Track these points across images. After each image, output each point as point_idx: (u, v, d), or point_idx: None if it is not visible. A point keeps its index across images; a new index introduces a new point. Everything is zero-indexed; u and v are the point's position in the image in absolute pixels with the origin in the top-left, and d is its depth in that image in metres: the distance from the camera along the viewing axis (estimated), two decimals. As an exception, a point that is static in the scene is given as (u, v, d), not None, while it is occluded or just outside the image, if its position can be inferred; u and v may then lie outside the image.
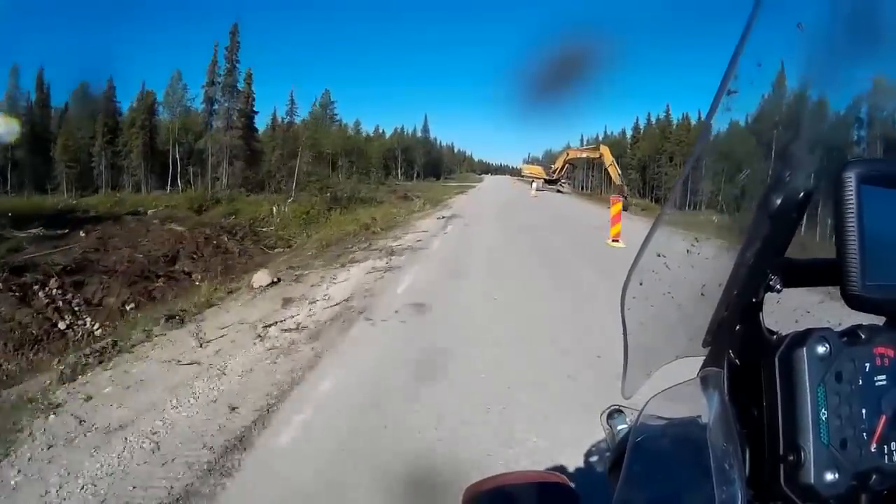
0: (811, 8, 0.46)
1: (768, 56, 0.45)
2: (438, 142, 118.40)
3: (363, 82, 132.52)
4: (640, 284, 0.48)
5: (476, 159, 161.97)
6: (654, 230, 0.46)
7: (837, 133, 0.52)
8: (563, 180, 40.68)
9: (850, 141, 0.54)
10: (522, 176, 44.44)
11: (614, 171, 36.16)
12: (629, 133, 58.92)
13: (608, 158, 36.82)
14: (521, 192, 36.38)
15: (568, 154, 38.53)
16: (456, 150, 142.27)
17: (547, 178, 42.18)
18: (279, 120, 60.09)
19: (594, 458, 1.53)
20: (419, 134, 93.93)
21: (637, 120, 68.31)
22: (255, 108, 38.89)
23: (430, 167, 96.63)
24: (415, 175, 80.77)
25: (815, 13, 0.45)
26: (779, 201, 0.44)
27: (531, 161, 42.87)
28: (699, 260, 0.49)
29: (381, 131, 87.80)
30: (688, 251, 0.49)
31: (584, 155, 37.10)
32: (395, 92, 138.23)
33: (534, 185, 30.36)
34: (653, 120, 65.27)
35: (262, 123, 58.33)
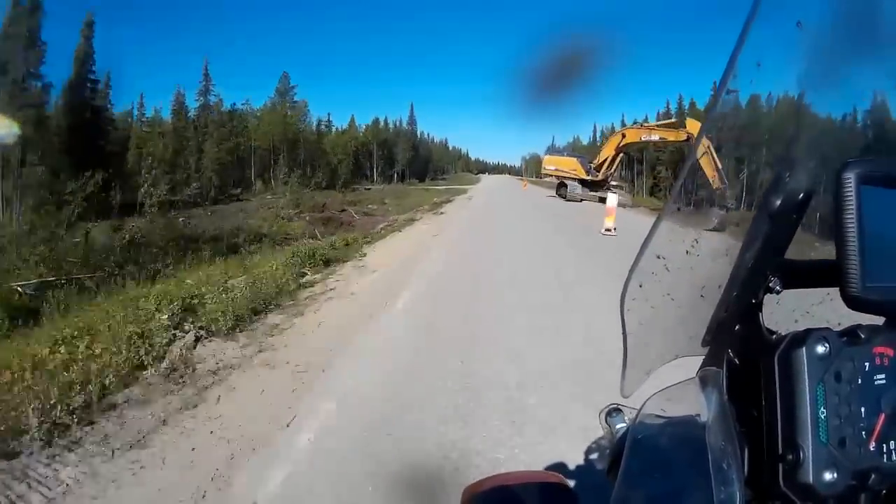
0: (811, 6, 0.46)
1: (768, 55, 0.45)
2: (430, 137, 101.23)
3: (350, 78, 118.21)
4: (640, 286, 0.49)
5: (473, 158, 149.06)
6: (653, 232, 0.48)
7: (837, 133, 0.55)
8: (612, 181, 17.54)
9: (849, 141, 0.58)
10: (546, 174, 30.59)
11: (709, 164, 12.37)
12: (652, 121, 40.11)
13: (702, 142, 13.50)
14: (544, 207, 22.38)
15: (624, 137, 16.71)
16: (451, 148, 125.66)
17: (586, 176, 26.70)
18: (207, 104, 39.46)
19: (593, 457, 1.50)
20: (405, 126, 72.68)
21: (668, 104, 57.76)
22: (93, 76, 19.53)
23: (420, 166, 76.85)
24: (395, 176, 60.64)
25: (814, 12, 0.45)
26: (778, 202, 0.45)
27: (554, 151, 23.84)
28: (698, 261, 0.49)
29: (370, 124, 66.33)
30: (687, 252, 0.49)
31: (656, 137, 15.05)
32: (388, 90, 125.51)
33: (611, 198, 9.30)
34: (685, 104, 52.86)
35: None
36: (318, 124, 52.92)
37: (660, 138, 22.56)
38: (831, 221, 0.42)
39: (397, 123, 79.08)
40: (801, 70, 0.47)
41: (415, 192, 39.87)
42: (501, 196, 31.68)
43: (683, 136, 22.04)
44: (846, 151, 0.50)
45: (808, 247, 0.50)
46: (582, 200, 24.21)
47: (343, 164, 62.55)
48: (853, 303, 0.41)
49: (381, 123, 75.40)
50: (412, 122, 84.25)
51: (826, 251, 0.45)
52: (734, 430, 0.45)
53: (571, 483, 0.75)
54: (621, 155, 25.08)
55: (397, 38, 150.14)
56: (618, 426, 0.58)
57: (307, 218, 20.57)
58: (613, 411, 0.59)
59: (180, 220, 21.66)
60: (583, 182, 25.23)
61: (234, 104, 44.05)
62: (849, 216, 0.41)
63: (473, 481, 0.73)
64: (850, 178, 0.41)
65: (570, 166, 26.27)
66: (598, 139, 78.05)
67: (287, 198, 24.97)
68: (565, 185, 25.89)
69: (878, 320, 0.45)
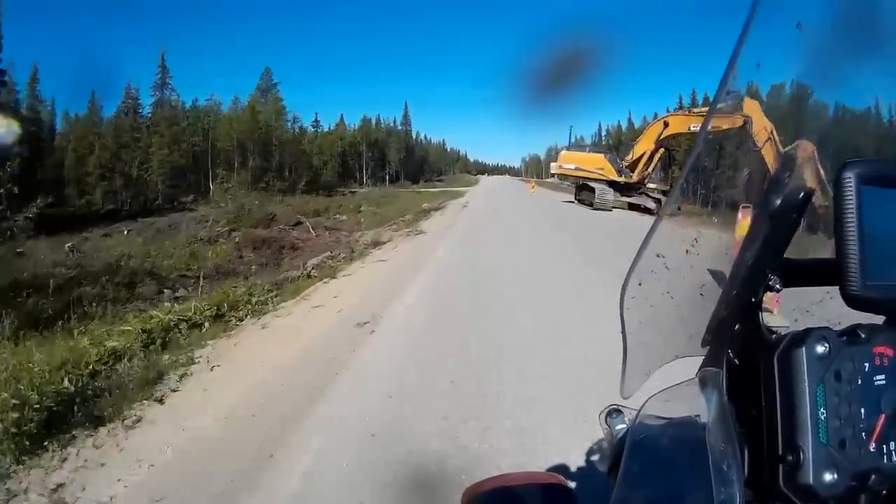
0: (810, 7, 0.47)
1: (768, 56, 0.46)
2: (427, 138, 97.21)
3: (349, 80, 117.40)
4: (640, 285, 0.49)
5: (472, 159, 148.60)
6: (653, 231, 0.49)
7: (837, 133, 0.55)
8: (649, 183, 8.88)
9: (849, 140, 0.59)
10: (562, 174, 23.87)
11: (772, 154, 3.99)
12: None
13: (764, 126, 5.02)
14: (567, 220, 15.96)
15: (667, 126, 8.66)
16: (449, 149, 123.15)
17: (618, 178, 20.46)
18: (164, 100, 33.26)
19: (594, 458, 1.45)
20: (398, 126, 68.06)
21: (681, 99, 53.16)
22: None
23: (415, 167, 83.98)
24: (386, 178, 55.39)
25: (814, 13, 0.46)
26: (778, 201, 0.46)
27: (574, 145, 17.06)
28: (698, 260, 0.50)
29: (360, 123, 61.88)
30: (687, 251, 0.50)
31: (708, 125, 6.77)
32: (386, 91, 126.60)
33: (742, 218, 1.43)
34: (699, 99, 45.43)
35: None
36: (294, 121, 46.96)
37: (712, 126, 16.71)
38: (831, 220, 0.43)
39: (392, 123, 73.41)
40: (801, 70, 0.48)
41: (404, 196, 37.02)
42: (504, 201, 26.19)
43: (740, 122, 15.99)
44: (846, 151, 0.51)
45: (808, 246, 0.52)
46: (613, 209, 18.35)
47: (329, 165, 57.12)
48: (853, 301, 0.43)
49: (373, 122, 69.46)
50: (406, 121, 78.96)
51: (826, 250, 0.46)
52: (734, 430, 0.45)
53: (572, 484, 0.75)
54: (661, 150, 19.19)
55: (395, 38, 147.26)
56: (618, 427, 0.58)
57: (237, 239, 14.68)
58: (613, 412, 0.59)
59: (68, 246, 15.78)
60: (612, 184, 19.38)
61: (196, 100, 38.26)
62: (849, 216, 0.42)
63: (473, 483, 0.73)
64: (850, 178, 0.42)
65: (596, 164, 20.70)
66: (603, 138, 72.25)
67: (227, 207, 19.17)
68: (590, 189, 20.31)
69: (878, 319, 0.47)
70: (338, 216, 21.80)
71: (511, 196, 30.59)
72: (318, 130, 57.64)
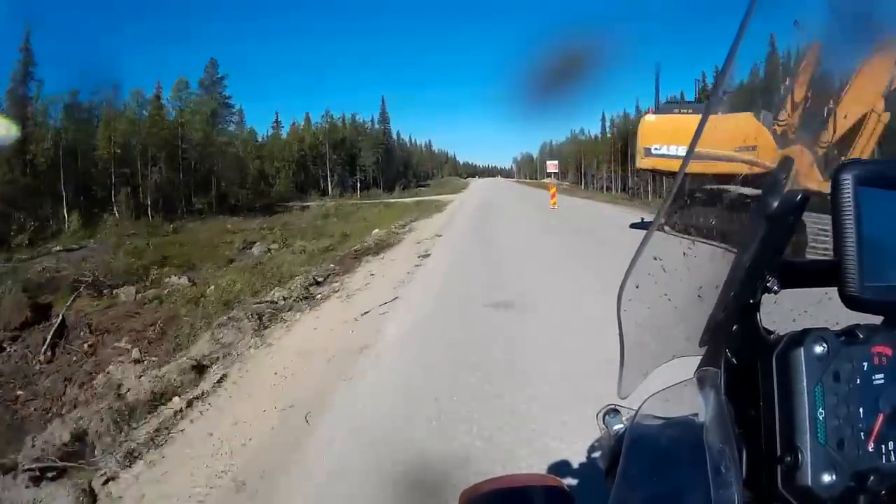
0: (808, 5, 0.49)
1: (766, 55, 0.50)
2: (412, 140, 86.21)
3: (327, 84, 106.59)
4: (637, 287, 0.52)
5: (461, 161, 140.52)
6: (650, 233, 0.52)
7: (834, 133, 0.58)
8: None
9: (847, 140, 0.57)
10: (646, 170, 10.80)
11: None
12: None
13: None
14: None
15: None
16: (436, 151, 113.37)
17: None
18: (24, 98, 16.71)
19: (593, 458, 1.52)
20: (376, 125, 57.02)
21: (704, 76, 38.78)
22: None
23: (396, 171, 73.72)
24: (358, 185, 41.98)
25: (812, 11, 0.48)
26: (776, 203, 0.48)
27: (670, 104, 4.30)
28: (696, 262, 0.52)
29: (321, 121, 50.42)
30: (684, 254, 0.51)
31: None
32: (374, 93, 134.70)
33: None
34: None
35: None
36: (212, 117, 35.06)
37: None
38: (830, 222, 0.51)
39: (371, 122, 61.95)
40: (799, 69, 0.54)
41: (363, 212, 28.10)
42: (510, 226, 15.41)
43: None
44: (844, 152, 0.66)
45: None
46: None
47: (282, 173, 45.63)
48: (851, 302, 0.44)
49: (341, 120, 57.64)
50: (384, 118, 67.15)
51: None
52: (732, 430, 0.47)
53: (573, 482, 0.80)
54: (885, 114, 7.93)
55: (378, 38, 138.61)
56: (615, 427, 0.59)
57: None
58: (611, 412, 0.60)
59: None
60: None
61: (78, 92, 27.07)
62: (846, 217, 0.42)
63: (470, 485, 0.74)
64: (848, 180, 0.42)
65: (746, 138, 8.69)
66: (607, 131, 60.99)
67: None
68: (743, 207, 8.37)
69: (876, 320, 0.49)
70: (171, 278, 10.83)
71: (517, 210, 19.65)
72: (274, 133, 47.24)
